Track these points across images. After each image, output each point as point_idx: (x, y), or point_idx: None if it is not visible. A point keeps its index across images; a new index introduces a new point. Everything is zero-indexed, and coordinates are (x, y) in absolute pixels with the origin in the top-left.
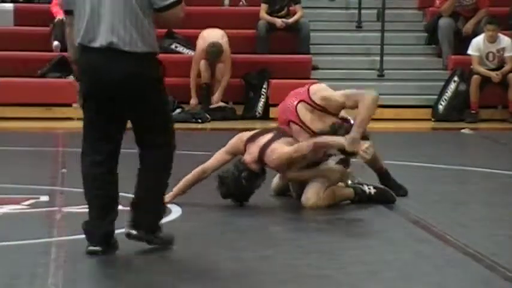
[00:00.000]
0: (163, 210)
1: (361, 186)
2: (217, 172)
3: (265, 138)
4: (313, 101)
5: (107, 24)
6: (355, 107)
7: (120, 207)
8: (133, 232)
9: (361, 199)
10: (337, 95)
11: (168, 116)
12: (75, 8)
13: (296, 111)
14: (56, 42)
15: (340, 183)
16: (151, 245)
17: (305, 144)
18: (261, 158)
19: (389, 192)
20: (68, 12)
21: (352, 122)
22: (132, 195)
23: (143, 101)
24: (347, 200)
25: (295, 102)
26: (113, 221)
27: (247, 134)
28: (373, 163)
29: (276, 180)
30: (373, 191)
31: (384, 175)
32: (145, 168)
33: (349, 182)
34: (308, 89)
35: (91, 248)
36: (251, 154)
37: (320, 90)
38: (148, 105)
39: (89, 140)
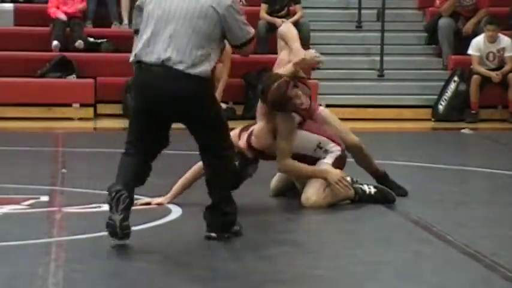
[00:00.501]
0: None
1: (361, 186)
2: None
3: (254, 126)
4: None
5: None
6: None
7: None
8: (213, 235)
9: (361, 199)
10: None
11: (220, 126)
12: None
13: None
14: (55, 42)
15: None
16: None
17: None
18: (248, 142)
19: (389, 191)
20: (136, 32)
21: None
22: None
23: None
24: (347, 200)
25: None
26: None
27: (240, 127)
28: (368, 166)
29: (275, 180)
30: (373, 190)
31: (381, 177)
32: (211, 173)
33: (348, 179)
34: None
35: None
36: (243, 141)
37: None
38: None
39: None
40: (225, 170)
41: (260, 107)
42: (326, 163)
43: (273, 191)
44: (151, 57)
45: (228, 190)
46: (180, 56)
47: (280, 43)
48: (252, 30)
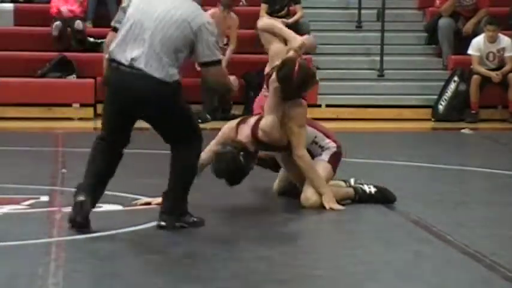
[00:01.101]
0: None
1: (361, 185)
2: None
3: (254, 118)
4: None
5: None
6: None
7: (120, 207)
8: (162, 223)
9: (361, 198)
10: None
11: (186, 123)
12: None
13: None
14: (57, 22)
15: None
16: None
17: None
18: (254, 136)
19: (389, 191)
20: (114, 29)
21: None
22: (132, 196)
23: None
24: (348, 200)
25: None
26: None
27: (235, 121)
28: None
29: (278, 180)
30: (373, 190)
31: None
32: (173, 161)
33: (352, 181)
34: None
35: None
36: (244, 134)
37: None
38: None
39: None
40: (189, 163)
41: (271, 97)
42: (322, 160)
43: (276, 190)
44: (121, 57)
45: (187, 182)
46: (148, 59)
47: (264, 37)
48: (220, 57)
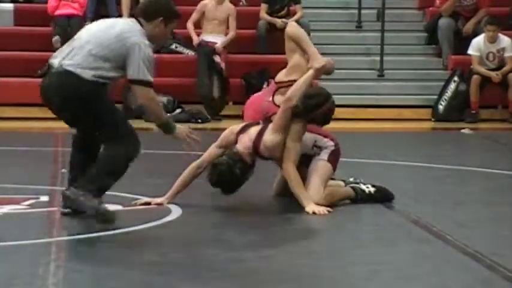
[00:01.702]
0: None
1: (359, 186)
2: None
3: (256, 129)
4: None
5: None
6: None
7: (120, 207)
8: (66, 192)
9: (361, 198)
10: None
11: (111, 128)
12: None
13: (274, 103)
14: (56, 37)
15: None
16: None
17: (281, 108)
18: (256, 150)
19: (387, 190)
20: None
21: None
22: (132, 196)
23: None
24: (347, 200)
25: (271, 98)
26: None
27: (237, 127)
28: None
29: (277, 180)
30: (372, 189)
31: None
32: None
33: (351, 179)
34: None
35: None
36: (244, 145)
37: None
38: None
39: None
40: (112, 155)
41: (282, 117)
42: (321, 159)
43: (275, 190)
44: (54, 59)
45: (100, 183)
46: (75, 59)
47: (289, 44)
48: (149, 79)
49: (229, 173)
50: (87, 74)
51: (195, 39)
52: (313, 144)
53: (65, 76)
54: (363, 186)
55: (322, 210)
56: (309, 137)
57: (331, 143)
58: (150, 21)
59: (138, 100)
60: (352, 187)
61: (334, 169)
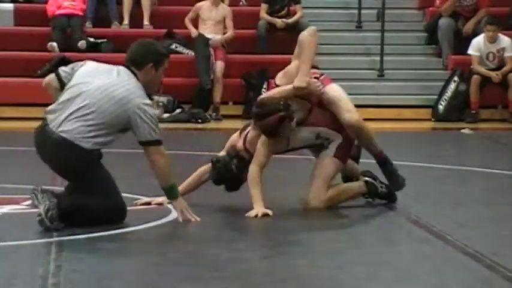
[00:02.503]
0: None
1: (374, 182)
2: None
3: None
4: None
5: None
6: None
7: None
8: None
9: (370, 195)
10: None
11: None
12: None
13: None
14: (53, 43)
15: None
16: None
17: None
18: (245, 146)
19: (394, 194)
20: (57, 75)
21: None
22: (132, 196)
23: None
24: (358, 197)
25: None
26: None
27: (242, 127)
28: (367, 147)
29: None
30: (384, 191)
31: (382, 161)
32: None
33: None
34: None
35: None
36: (240, 142)
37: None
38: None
39: None
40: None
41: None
42: (327, 155)
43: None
44: (50, 114)
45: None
46: (74, 127)
47: (297, 49)
48: (158, 139)
49: (225, 170)
50: (87, 144)
51: (194, 32)
52: (316, 136)
53: (63, 146)
54: (378, 185)
55: (260, 213)
56: (310, 130)
57: (339, 135)
58: (141, 69)
59: (149, 158)
60: (366, 181)
61: (344, 162)
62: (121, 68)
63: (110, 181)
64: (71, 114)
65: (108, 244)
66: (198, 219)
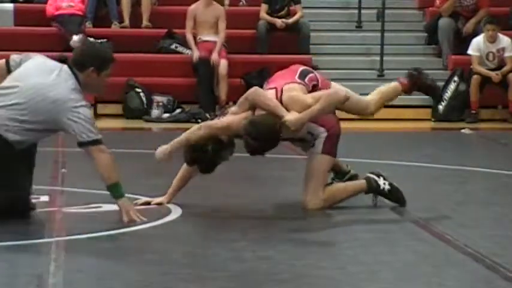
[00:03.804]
0: None
1: (376, 177)
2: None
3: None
4: (281, 99)
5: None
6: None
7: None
8: None
9: (371, 191)
10: (306, 97)
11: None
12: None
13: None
14: (76, 37)
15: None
16: None
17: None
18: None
19: (401, 194)
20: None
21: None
22: (132, 196)
23: None
24: (360, 193)
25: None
26: None
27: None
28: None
29: None
30: (387, 188)
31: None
32: None
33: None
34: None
35: None
36: (222, 121)
37: (290, 90)
38: None
39: None
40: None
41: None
42: (316, 153)
43: None
44: None
45: None
46: (7, 121)
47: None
48: (97, 138)
49: (200, 150)
50: (14, 138)
51: (195, 56)
52: (307, 130)
53: None
54: (381, 181)
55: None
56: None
57: (322, 129)
58: (82, 71)
59: (91, 157)
60: (367, 177)
61: (334, 155)
62: (64, 67)
63: (17, 175)
64: (2, 106)
65: (108, 244)
66: (144, 219)
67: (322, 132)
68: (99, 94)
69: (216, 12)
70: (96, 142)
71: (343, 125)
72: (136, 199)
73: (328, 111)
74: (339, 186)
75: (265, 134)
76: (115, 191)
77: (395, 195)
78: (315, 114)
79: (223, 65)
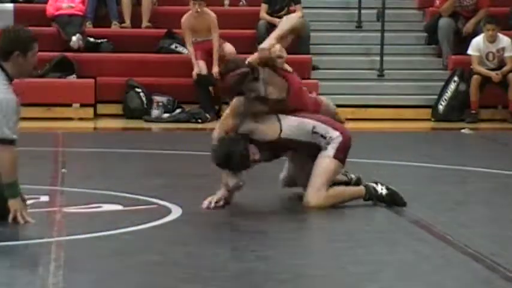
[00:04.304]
0: None
1: (374, 185)
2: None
3: None
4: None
5: None
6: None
7: (120, 207)
8: None
9: (371, 198)
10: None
11: None
12: None
13: None
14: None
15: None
16: None
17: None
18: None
19: (399, 196)
20: None
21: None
22: (132, 196)
23: None
24: (357, 199)
25: None
26: None
27: None
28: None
29: (284, 171)
30: (384, 192)
31: None
32: None
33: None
34: None
35: None
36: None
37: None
38: None
39: None
40: None
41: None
42: (327, 157)
43: (282, 183)
44: None
45: None
46: None
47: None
48: (8, 136)
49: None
50: None
51: (194, 73)
52: (312, 130)
53: None
54: (378, 186)
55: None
56: (307, 122)
57: (337, 134)
58: (8, 60)
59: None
60: (366, 185)
61: (343, 161)
62: None
63: None
64: None
65: (108, 244)
66: (32, 221)
67: (337, 137)
68: (30, 75)
69: (208, 21)
70: (8, 142)
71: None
72: (137, 199)
73: (288, 31)
74: (340, 188)
75: (221, 157)
76: (10, 190)
77: (393, 198)
78: (277, 34)
79: (228, 48)
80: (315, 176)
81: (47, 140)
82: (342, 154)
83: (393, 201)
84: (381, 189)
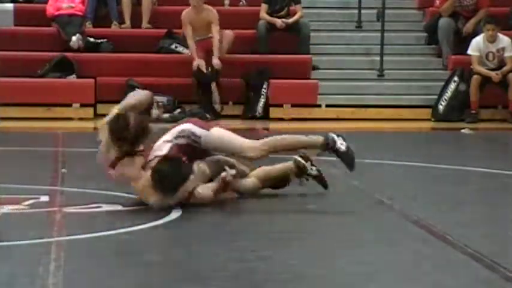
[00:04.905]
0: None
1: (336, 138)
2: None
3: None
4: None
5: None
6: None
7: (120, 207)
8: None
9: (327, 149)
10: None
11: None
12: None
13: None
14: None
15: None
16: None
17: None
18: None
19: (353, 159)
20: None
21: None
22: (132, 196)
23: None
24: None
25: None
26: None
27: None
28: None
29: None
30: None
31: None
32: None
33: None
34: None
35: None
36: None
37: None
38: None
39: None
40: None
41: None
42: (207, 135)
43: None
44: None
45: None
46: None
47: None
48: None
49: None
50: None
51: (194, 65)
52: (181, 134)
53: None
54: (339, 141)
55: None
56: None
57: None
58: None
59: None
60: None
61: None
62: None
63: None
64: None
65: (108, 244)
66: None
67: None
68: None
69: (209, 17)
70: None
71: (343, 124)
72: (135, 199)
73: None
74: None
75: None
76: None
77: (349, 157)
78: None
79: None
80: (229, 149)
81: (47, 140)
82: (203, 126)
83: (347, 161)
84: (341, 144)
